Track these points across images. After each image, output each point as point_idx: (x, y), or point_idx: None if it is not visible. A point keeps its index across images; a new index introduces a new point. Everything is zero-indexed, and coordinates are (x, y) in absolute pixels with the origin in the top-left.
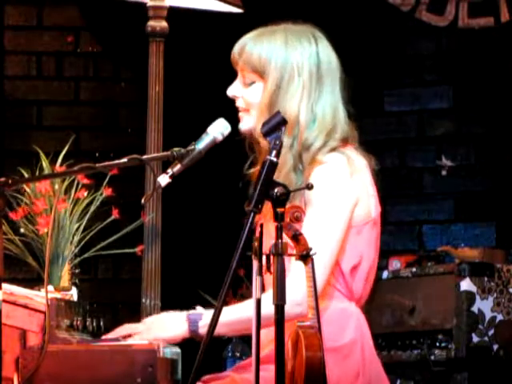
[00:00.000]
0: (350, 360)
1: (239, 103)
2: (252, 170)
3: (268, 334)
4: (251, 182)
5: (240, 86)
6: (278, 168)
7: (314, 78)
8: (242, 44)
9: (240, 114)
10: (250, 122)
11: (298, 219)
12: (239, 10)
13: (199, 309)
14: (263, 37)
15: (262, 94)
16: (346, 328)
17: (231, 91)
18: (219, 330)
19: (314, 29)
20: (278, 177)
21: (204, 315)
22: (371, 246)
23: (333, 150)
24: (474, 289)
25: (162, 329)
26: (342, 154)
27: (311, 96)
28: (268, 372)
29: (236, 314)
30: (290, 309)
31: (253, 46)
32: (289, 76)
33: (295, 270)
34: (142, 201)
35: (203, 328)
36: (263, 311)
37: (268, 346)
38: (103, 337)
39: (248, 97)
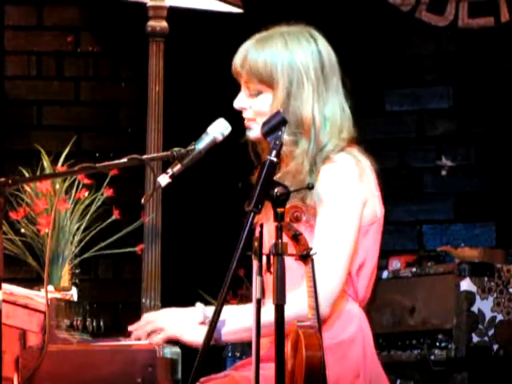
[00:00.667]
0: (350, 358)
1: (247, 114)
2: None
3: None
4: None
5: (246, 96)
6: (295, 174)
7: (321, 78)
8: (242, 55)
9: (247, 123)
10: (258, 130)
11: (298, 219)
12: (239, 10)
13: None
14: (263, 44)
15: (273, 103)
16: (347, 327)
17: (238, 103)
18: (242, 335)
19: (308, 28)
20: (295, 182)
21: (227, 322)
22: (375, 246)
23: (340, 150)
24: (474, 289)
25: (187, 332)
26: (349, 155)
27: (321, 97)
28: (267, 370)
29: (244, 323)
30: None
31: (255, 56)
32: (297, 80)
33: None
34: (142, 201)
35: (226, 335)
36: (271, 319)
37: (267, 347)
38: (130, 327)
39: (256, 107)
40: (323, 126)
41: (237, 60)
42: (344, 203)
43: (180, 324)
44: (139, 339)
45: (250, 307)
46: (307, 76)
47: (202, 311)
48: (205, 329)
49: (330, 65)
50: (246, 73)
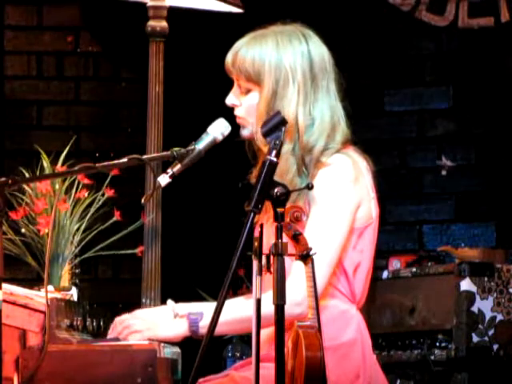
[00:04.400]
0: (350, 360)
1: (238, 111)
2: (253, 174)
3: (267, 334)
4: (251, 184)
5: (238, 94)
6: (282, 174)
7: (309, 78)
8: (233, 52)
9: (239, 121)
10: (250, 129)
11: (298, 219)
12: (239, 10)
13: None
14: (254, 43)
15: (259, 101)
16: (347, 328)
17: (230, 100)
18: (220, 328)
19: (303, 27)
20: (282, 182)
21: (204, 315)
22: (371, 247)
23: (336, 152)
24: (473, 289)
25: (162, 328)
26: (346, 156)
27: (308, 98)
28: (267, 370)
29: (237, 313)
30: (289, 309)
31: (245, 53)
32: (283, 80)
33: (295, 270)
34: (142, 201)
35: (203, 328)
36: (263, 311)
37: (267, 346)
38: (108, 337)
39: (246, 105)
40: (309, 126)
41: (228, 58)
42: (335, 204)
43: (153, 324)
44: (117, 339)
45: (231, 302)
46: (293, 77)
47: (171, 308)
48: (177, 322)
49: (321, 66)
50: (236, 71)
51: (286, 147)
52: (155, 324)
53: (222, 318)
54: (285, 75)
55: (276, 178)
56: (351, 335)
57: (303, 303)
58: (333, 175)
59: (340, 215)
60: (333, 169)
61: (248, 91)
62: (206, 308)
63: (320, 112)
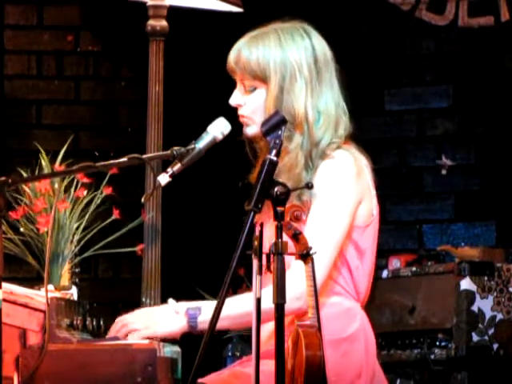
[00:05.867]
0: (352, 357)
1: (243, 111)
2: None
3: (267, 331)
4: (251, 184)
5: (241, 93)
6: (290, 168)
7: (314, 72)
8: (236, 52)
9: (243, 120)
10: (255, 128)
11: (298, 218)
12: (239, 10)
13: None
14: (257, 41)
15: (267, 98)
16: (350, 324)
17: (234, 100)
18: (221, 323)
19: (302, 23)
20: (290, 177)
21: (203, 310)
22: (373, 244)
23: (338, 147)
24: (473, 288)
25: (160, 325)
26: (348, 153)
27: (314, 92)
28: (267, 366)
29: (237, 309)
30: (289, 303)
31: (249, 53)
32: (290, 75)
33: (295, 265)
34: (142, 200)
35: (202, 324)
36: (264, 306)
37: (267, 343)
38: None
39: (251, 103)
40: (316, 120)
41: (231, 57)
42: (338, 197)
43: (152, 321)
44: (117, 338)
45: (231, 299)
46: (300, 71)
47: (172, 307)
48: (175, 317)
49: (324, 60)
50: (240, 70)
51: (296, 142)
52: (153, 322)
53: (223, 312)
54: (291, 71)
55: (284, 172)
56: (354, 331)
57: (302, 297)
58: (335, 169)
59: (341, 210)
60: (335, 163)
61: (253, 89)
62: (205, 304)
63: (325, 105)
